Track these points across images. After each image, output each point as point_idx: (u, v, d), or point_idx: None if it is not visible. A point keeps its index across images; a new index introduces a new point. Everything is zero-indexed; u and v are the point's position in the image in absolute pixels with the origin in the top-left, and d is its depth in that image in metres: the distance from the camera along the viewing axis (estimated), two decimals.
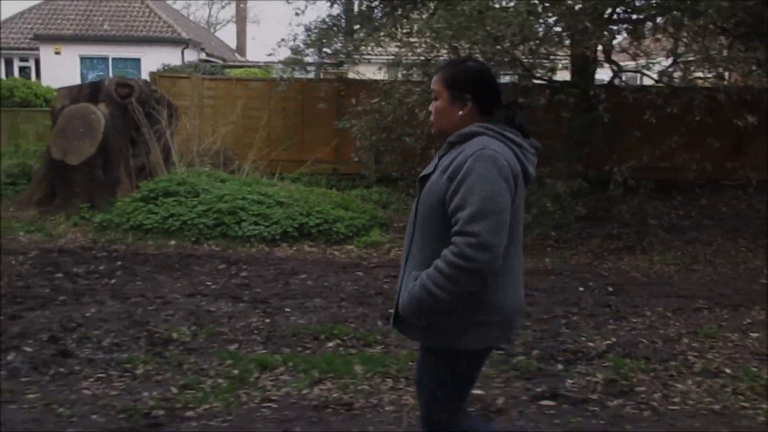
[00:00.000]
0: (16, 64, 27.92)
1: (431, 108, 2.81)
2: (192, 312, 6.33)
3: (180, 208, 9.37)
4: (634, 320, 6.46)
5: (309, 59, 12.59)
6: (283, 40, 14.26)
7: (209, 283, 7.39)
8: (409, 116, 9.40)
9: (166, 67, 21.26)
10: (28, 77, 25.25)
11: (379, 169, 12.10)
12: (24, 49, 27.51)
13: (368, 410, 4.37)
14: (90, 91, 10.50)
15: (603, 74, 12.45)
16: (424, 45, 9.89)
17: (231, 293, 7.03)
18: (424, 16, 12.32)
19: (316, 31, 13.11)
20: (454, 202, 2.54)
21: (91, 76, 25.99)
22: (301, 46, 12.48)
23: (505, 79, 10.53)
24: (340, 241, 9.42)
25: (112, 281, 7.35)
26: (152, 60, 25.10)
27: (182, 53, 26.70)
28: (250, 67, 27.67)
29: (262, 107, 14.09)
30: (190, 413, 4.26)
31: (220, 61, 29.62)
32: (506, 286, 2.66)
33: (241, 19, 44.80)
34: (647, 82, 11.67)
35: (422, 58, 10.04)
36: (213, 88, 14.91)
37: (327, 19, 12.78)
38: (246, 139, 13.40)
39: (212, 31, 49.23)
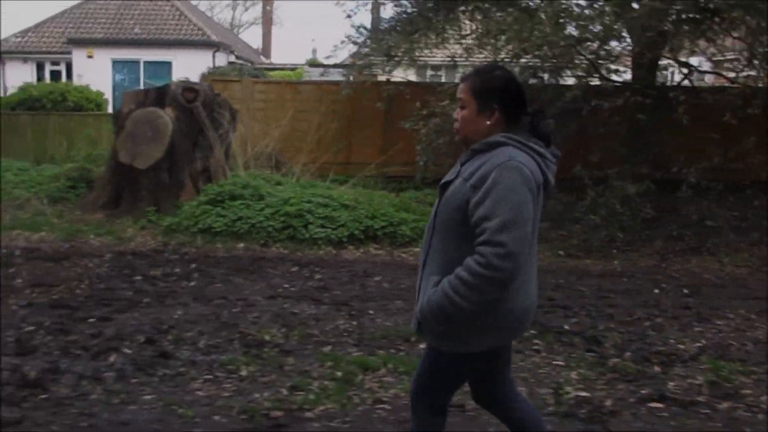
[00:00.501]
0: (48, 68, 28.24)
1: (457, 116, 2.84)
2: (277, 314, 6.40)
3: (247, 211, 9.48)
4: (719, 322, 6.44)
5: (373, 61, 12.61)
6: (342, 42, 14.32)
7: (287, 286, 7.47)
8: None
9: (212, 71, 21.46)
10: (59, 80, 25.53)
11: (433, 171, 12.11)
12: (55, 52, 27.81)
13: (482, 412, 4.40)
14: (156, 96, 10.65)
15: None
16: (489, 47, 9.95)
17: (310, 295, 7.10)
18: (477, 18, 12.39)
19: (370, 33, 13.21)
20: (479, 212, 2.58)
21: (119, 79, 26.25)
22: (365, 49, 12.53)
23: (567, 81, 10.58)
24: (406, 244, 9.46)
25: (191, 284, 7.46)
26: (183, 63, 25.30)
27: (213, 56, 26.85)
28: (281, 69, 27.87)
29: (312, 110, 14.20)
30: (308, 414, 4.32)
31: (248, 64, 29.81)
32: (519, 291, 2.72)
33: (267, 21, 44.96)
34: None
35: (492, 59, 10.13)
36: (264, 91, 15.04)
37: (386, 21, 12.84)
38: (296, 141, 13.48)
39: (236, 33, 49.56)
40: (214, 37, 27.85)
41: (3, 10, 62.74)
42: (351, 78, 13.02)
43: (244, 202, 9.66)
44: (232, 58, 29.18)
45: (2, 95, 26.40)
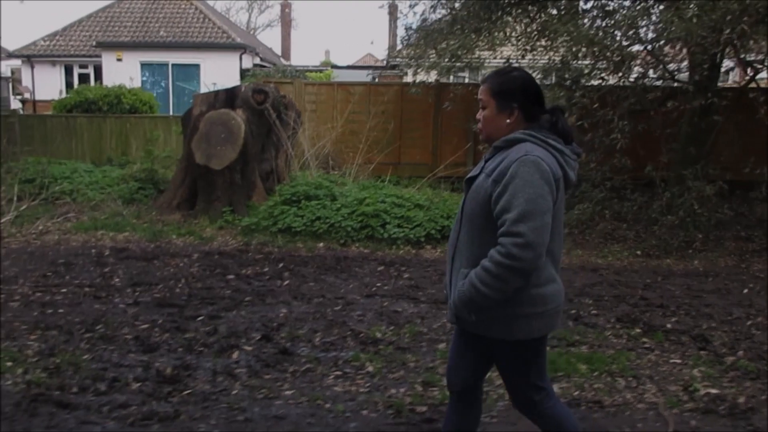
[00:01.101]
0: (76, 71, 28.56)
1: (479, 116, 2.98)
2: (380, 312, 6.50)
3: (324, 211, 9.58)
4: None
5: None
6: (400, 43, 14.45)
7: (379, 284, 7.56)
8: None
9: (257, 73, 21.61)
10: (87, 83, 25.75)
11: None
12: (83, 56, 28.11)
13: (621, 408, 4.48)
14: (226, 98, 10.76)
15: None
16: (562, 48, 10.02)
17: (406, 294, 7.19)
18: (524, 20, 12.45)
19: (423, 33, 13.30)
20: (500, 205, 2.72)
21: (145, 79, 26.43)
22: (429, 50, 12.62)
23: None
24: None
25: (285, 282, 7.56)
26: (211, 66, 25.54)
27: (240, 58, 26.97)
28: (307, 71, 28.03)
29: (363, 111, 14.42)
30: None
31: (270, 66, 29.96)
32: (548, 279, 2.85)
33: (285, 23, 45.12)
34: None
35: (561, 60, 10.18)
36: (315, 93, 15.20)
37: (443, 21, 12.91)
38: (348, 142, 13.64)
39: (253, 35, 49.79)
40: (239, 40, 27.99)
41: (26, 12, 63.66)
42: (416, 79, 13.13)
43: (320, 203, 9.77)
44: (257, 61, 29.32)
45: (33, 98, 26.92)
